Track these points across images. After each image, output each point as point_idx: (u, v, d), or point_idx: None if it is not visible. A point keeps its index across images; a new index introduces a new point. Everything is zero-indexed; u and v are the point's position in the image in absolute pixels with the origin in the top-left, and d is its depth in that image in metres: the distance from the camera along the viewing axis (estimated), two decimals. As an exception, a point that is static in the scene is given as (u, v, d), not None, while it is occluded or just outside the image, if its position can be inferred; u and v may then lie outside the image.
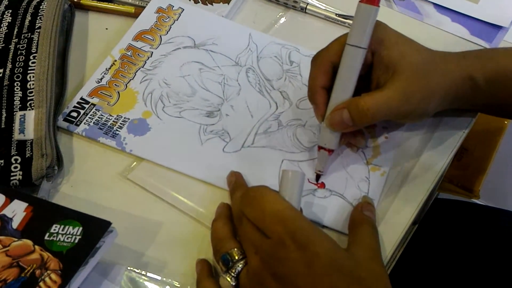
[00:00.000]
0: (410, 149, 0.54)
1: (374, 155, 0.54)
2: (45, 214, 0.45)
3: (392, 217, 0.50)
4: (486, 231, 0.69)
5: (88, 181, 0.52)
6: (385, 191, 0.52)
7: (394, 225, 0.50)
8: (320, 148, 0.51)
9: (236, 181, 0.51)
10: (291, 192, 0.45)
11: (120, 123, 0.55)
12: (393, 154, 0.54)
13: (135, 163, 0.54)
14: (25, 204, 0.46)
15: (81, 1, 0.65)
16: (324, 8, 0.66)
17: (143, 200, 0.51)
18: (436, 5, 0.67)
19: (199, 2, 0.66)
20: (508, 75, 0.50)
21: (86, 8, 0.66)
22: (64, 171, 0.53)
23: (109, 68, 0.59)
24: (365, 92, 0.49)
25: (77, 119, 0.56)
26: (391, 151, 0.54)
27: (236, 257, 0.44)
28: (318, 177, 0.52)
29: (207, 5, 0.66)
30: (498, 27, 0.65)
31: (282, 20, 0.66)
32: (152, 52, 0.61)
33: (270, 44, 0.62)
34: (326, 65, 0.50)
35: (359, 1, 0.48)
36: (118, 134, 0.55)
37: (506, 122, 0.77)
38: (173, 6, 0.64)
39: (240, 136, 0.55)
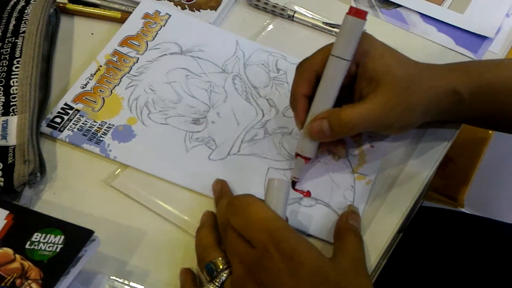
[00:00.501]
0: (395, 158, 0.54)
1: (360, 164, 0.54)
2: (27, 222, 0.44)
3: (377, 226, 0.50)
4: (470, 240, 0.70)
5: (71, 188, 0.52)
6: (370, 200, 0.52)
7: (379, 234, 0.50)
8: (297, 155, 0.51)
9: (221, 189, 0.50)
10: (276, 201, 0.44)
11: (105, 130, 0.55)
12: (379, 163, 0.54)
13: (119, 170, 0.53)
14: (5, 212, 0.45)
15: (66, 6, 0.65)
16: (311, 16, 0.66)
17: (126, 208, 0.51)
18: (422, 15, 0.67)
19: (186, 8, 0.66)
20: (491, 89, 0.51)
21: (72, 13, 0.65)
22: (46, 177, 0.52)
23: (94, 74, 0.59)
24: (347, 102, 0.50)
25: (61, 125, 0.55)
26: (376, 160, 0.54)
27: (221, 266, 0.43)
28: (294, 183, 0.52)
29: (194, 11, 0.66)
30: (484, 38, 0.65)
31: (270, 27, 0.66)
32: (138, 58, 0.60)
33: (257, 51, 0.62)
34: (309, 73, 0.50)
35: (346, 13, 0.48)
36: (102, 140, 0.54)
37: (490, 132, 0.77)
38: (160, 12, 0.64)
39: (226, 144, 0.55)
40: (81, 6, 0.65)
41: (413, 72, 0.50)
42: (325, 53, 0.50)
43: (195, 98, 0.58)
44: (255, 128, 0.56)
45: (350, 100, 0.50)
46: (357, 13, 0.47)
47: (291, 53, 0.62)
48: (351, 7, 0.48)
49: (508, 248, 0.68)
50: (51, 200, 0.51)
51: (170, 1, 0.66)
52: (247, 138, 0.55)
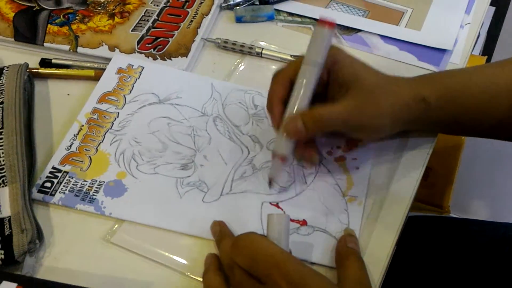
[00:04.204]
0: (382, 176, 0.57)
1: (348, 186, 0.56)
2: None
3: (375, 244, 0.52)
4: (460, 243, 0.72)
5: (72, 251, 0.52)
6: (364, 219, 0.53)
7: (378, 252, 0.52)
8: (274, 156, 0.53)
9: (220, 230, 0.51)
10: (279, 235, 0.46)
11: (96, 187, 0.55)
12: (366, 183, 0.56)
13: (116, 225, 0.53)
14: (14, 285, 0.44)
15: (39, 71, 0.66)
16: (278, 51, 0.69)
17: (130, 262, 0.51)
18: (382, 37, 0.71)
19: (158, 59, 0.67)
20: (456, 95, 0.54)
21: (45, 76, 0.66)
22: (45, 244, 0.52)
23: (77, 134, 0.59)
24: None
25: (52, 189, 0.55)
26: (363, 180, 0.56)
27: None
28: (270, 182, 0.55)
29: (166, 60, 0.67)
30: (443, 51, 0.69)
31: (241, 66, 0.68)
32: (119, 113, 0.61)
33: (233, 91, 0.64)
34: (284, 79, 0.53)
35: (317, 23, 0.51)
36: (95, 198, 0.55)
37: (463, 138, 0.81)
38: (133, 65, 0.66)
39: (218, 185, 0.56)
40: (53, 69, 0.66)
41: (382, 81, 0.53)
42: (299, 61, 0.53)
43: (180, 144, 0.59)
44: (243, 165, 0.57)
45: None
46: (326, 24, 0.50)
47: (266, 88, 0.64)
48: (320, 18, 0.51)
49: (493, 245, 0.71)
50: (54, 266, 0.50)
51: (141, 54, 0.67)
52: (236, 176, 0.57)
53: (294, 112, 0.52)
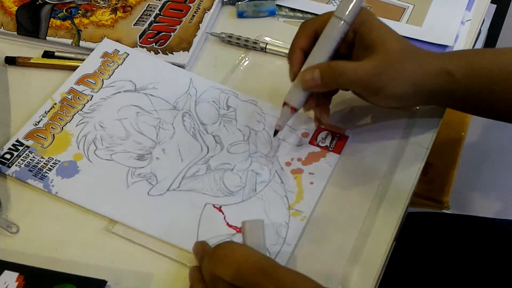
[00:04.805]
0: (381, 171, 0.56)
1: (297, 200, 0.53)
2: (38, 281, 0.44)
3: (373, 242, 0.51)
4: (458, 239, 0.71)
5: (73, 240, 0.52)
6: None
7: (376, 250, 0.51)
8: (285, 104, 0.54)
9: (203, 249, 0.49)
10: (258, 242, 0.45)
11: (50, 165, 0.56)
12: (316, 200, 0.53)
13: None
14: (15, 274, 0.45)
15: (31, 60, 0.66)
16: (282, 45, 0.68)
17: (131, 252, 0.51)
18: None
19: (159, 53, 0.67)
20: (483, 72, 0.53)
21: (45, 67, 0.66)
22: (46, 235, 0.52)
23: (48, 111, 0.61)
24: None
25: (10, 161, 0.57)
26: (314, 196, 0.54)
27: None
28: (276, 132, 0.55)
29: (167, 54, 0.67)
30: (444, 46, 0.67)
31: (245, 61, 0.67)
32: (92, 96, 0.62)
33: (210, 89, 0.63)
34: (309, 30, 0.54)
35: None
36: (46, 176, 0.55)
37: (463, 133, 0.80)
38: (119, 51, 0.66)
39: (167, 180, 0.55)
40: (52, 59, 0.66)
41: (408, 48, 0.53)
42: (327, 16, 0.53)
43: (143, 135, 0.59)
44: (198, 164, 0.57)
45: None
46: None
47: (269, 83, 0.63)
48: None
49: (493, 242, 0.70)
50: (55, 256, 0.50)
51: (143, 48, 0.67)
52: (189, 174, 0.56)
53: (313, 64, 0.52)
